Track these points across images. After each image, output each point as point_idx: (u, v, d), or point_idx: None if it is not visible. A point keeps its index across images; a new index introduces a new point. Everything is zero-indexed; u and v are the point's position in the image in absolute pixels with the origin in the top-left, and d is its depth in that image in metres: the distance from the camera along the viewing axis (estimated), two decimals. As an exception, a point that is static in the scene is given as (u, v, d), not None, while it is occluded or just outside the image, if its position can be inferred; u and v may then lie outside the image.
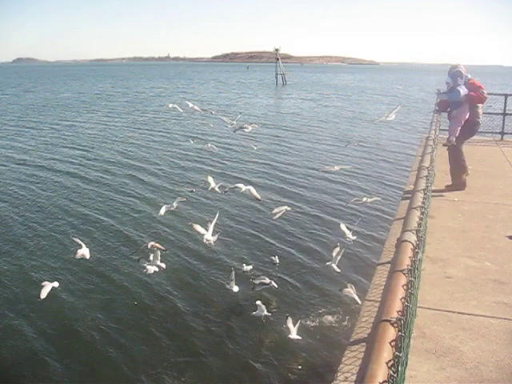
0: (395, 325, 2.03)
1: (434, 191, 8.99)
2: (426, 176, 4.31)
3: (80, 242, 9.15)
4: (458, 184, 9.42)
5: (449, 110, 9.46)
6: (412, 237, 3.03)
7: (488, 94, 16.05)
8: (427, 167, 4.50)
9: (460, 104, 9.17)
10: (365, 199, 10.17)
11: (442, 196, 9.08)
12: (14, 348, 9.28)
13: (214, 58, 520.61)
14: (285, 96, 65.13)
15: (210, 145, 15.69)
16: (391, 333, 2.00)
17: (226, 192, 11.25)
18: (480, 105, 9.41)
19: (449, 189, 9.39)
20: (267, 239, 13.82)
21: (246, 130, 11.36)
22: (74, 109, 46.65)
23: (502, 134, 14.93)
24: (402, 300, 2.31)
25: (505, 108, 14.86)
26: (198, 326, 9.82)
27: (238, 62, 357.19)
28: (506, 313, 5.08)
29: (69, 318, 10.10)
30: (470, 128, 9.44)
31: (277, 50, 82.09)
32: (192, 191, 16.45)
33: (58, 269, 11.99)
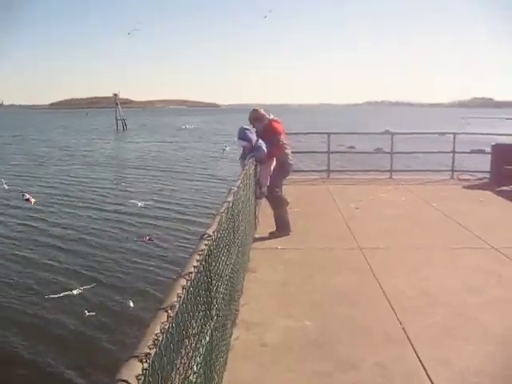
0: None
1: (258, 239, 8.24)
2: (219, 222, 3.78)
3: None
4: (282, 229, 8.63)
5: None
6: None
7: (312, 133, 16.23)
8: (221, 212, 3.83)
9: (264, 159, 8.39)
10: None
11: (265, 245, 8.25)
12: None
13: (53, 104, 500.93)
14: (125, 141, 63.35)
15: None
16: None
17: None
18: (287, 148, 8.66)
19: (272, 235, 8.57)
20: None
21: None
22: None
23: (328, 171, 14.70)
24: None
25: (328, 146, 14.71)
26: None
27: (78, 108, 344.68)
28: (324, 385, 4.26)
29: None
30: (282, 172, 8.74)
31: (115, 94, 79.37)
32: None
33: None
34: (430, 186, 13.78)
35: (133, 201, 21.27)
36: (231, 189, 5.01)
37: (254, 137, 8.30)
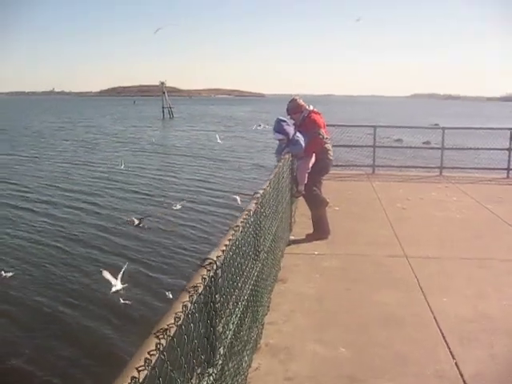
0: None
1: (293, 242, 7.40)
2: (233, 234, 3.07)
3: None
4: (320, 232, 7.71)
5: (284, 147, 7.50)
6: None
7: (357, 125, 15.20)
8: (234, 227, 3.22)
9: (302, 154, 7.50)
10: None
11: (300, 249, 7.35)
12: None
13: (102, 91, 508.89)
14: (171, 129, 63.10)
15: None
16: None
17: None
18: (328, 142, 7.73)
19: (309, 238, 7.65)
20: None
21: None
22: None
23: (373, 166, 13.65)
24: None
25: (374, 140, 13.67)
26: None
27: (126, 95, 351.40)
28: None
29: None
30: (321, 169, 7.76)
31: (162, 83, 79.48)
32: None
33: None
34: (484, 185, 12.61)
35: (176, 186, 22.19)
36: (255, 193, 4.16)
37: (291, 130, 7.40)
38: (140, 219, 12.57)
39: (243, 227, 3.33)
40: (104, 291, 10.56)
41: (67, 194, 21.11)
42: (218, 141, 32.19)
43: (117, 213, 17.67)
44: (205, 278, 2.34)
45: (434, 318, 5.17)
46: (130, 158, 33.13)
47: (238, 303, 3.38)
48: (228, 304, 3.08)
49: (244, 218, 3.41)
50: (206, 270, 2.42)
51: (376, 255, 7.09)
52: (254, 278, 4.03)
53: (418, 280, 6.17)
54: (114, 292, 9.75)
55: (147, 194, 21.03)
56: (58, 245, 13.91)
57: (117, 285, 10.21)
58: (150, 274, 11.87)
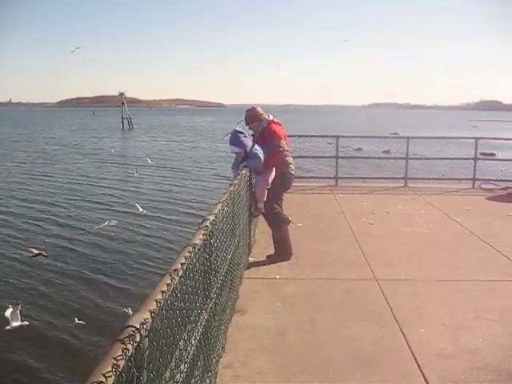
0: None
1: (252, 265, 6.70)
2: (168, 284, 2.33)
3: None
4: (281, 253, 7.03)
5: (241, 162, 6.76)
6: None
7: (318, 136, 14.63)
8: (171, 272, 2.49)
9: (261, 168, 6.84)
10: None
11: (260, 273, 6.65)
12: None
13: (61, 102, 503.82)
14: (131, 140, 61.90)
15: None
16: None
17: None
18: (289, 155, 7.08)
19: (270, 260, 6.95)
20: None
21: None
22: None
23: (336, 178, 13.08)
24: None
25: (337, 150, 13.09)
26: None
27: (86, 106, 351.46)
28: None
29: None
30: (281, 184, 7.07)
31: (122, 93, 78.02)
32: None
33: None
34: (450, 196, 12.18)
35: (138, 196, 21.54)
36: (204, 220, 3.44)
37: (248, 142, 6.69)
38: (40, 250, 11.85)
39: (184, 270, 2.60)
40: (65, 299, 10.62)
41: (26, 204, 20.44)
42: (149, 161, 31.59)
43: (79, 223, 17.10)
44: (117, 366, 1.61)
45: (413, 354, 4.53)
46: (91, 169, 32.33)
47: (180, 366, 2.65)
48: (164, 373, 2.35)
49: (186, 257, 2.68)
50: (121, 349, 1.69)
51: (343, 279, 6.43)
52: (203, 324, 3.31)
53: (390, 307, 5.53)
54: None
55: (109, 205, 20.39)
56: (19, 258, 13.40)
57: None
58: (113, 283, 11.60)
